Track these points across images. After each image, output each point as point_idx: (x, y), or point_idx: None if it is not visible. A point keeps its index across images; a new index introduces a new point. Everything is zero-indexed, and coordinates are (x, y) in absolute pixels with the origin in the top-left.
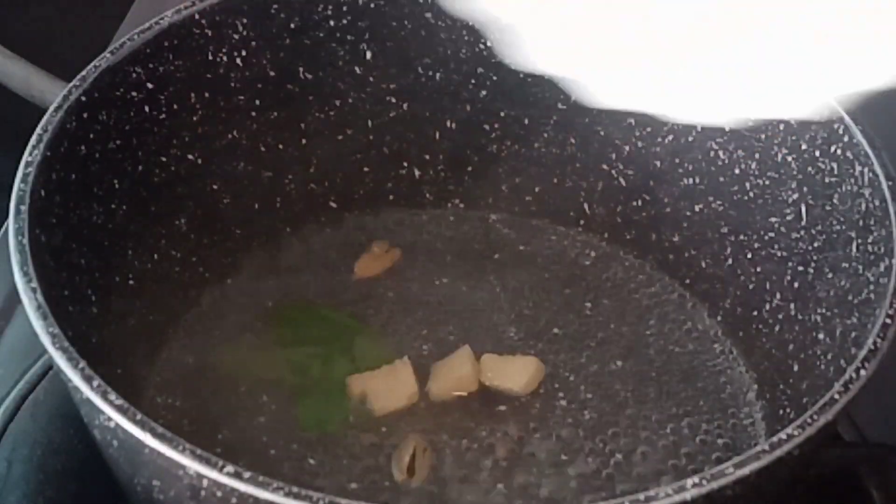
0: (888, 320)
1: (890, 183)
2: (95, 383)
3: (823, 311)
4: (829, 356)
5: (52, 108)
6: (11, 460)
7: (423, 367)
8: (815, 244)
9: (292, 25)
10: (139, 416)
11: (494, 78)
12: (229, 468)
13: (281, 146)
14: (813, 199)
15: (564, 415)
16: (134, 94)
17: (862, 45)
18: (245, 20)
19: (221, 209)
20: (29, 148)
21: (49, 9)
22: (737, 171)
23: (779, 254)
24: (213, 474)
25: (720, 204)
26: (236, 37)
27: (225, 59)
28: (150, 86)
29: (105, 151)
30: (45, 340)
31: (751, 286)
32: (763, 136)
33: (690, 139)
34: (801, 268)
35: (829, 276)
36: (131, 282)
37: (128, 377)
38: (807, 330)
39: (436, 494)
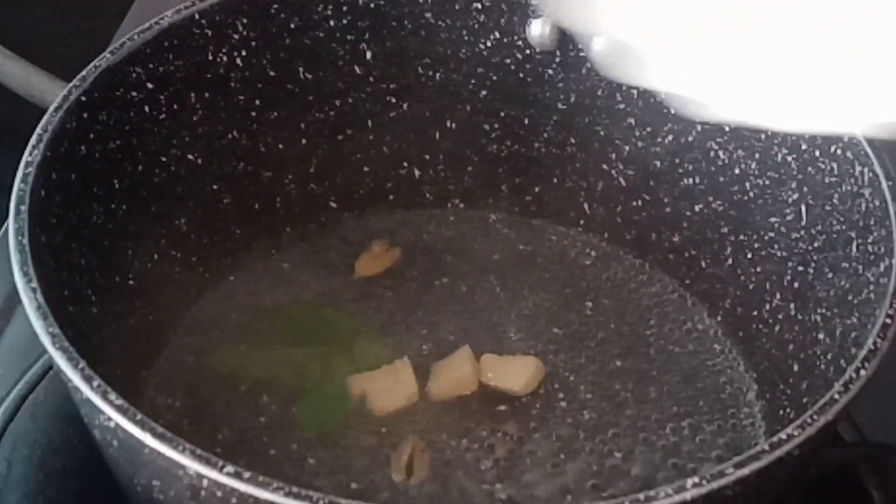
0: (888, 320)
1: (890, 183)
2: (95, 383)
3: (823, 311)
4: (829, 356)
5: (52, 108)
6: (11, 460)
7: (423, 367)
8: (815, 244)
9: (292, 25)
10: (139, 416)
11: (494, 78)
12: (229, 468)
13: (281, 146)
14: (813, 199)
15: (564, 415)
16: (134, 94)
17: None
18: (245, 20)
19: (221, 209)
20: (29, 148)
21: (49, 9)
22: (737, 171)
23: (779, 254)
24: (213, 474)
25: (720, 204)
26: (236, 37)
27: (225, 59)
28: (150, 86)
29: (105, 151)
30: (45, 340)
31: (751, 286)
32: (763, 136)
33: (690, 139)
34: (801, 268)
35: (829, 276)
36: (131, 282)
37: (128, 377)
38: (807, 330)
39: (436, 494)
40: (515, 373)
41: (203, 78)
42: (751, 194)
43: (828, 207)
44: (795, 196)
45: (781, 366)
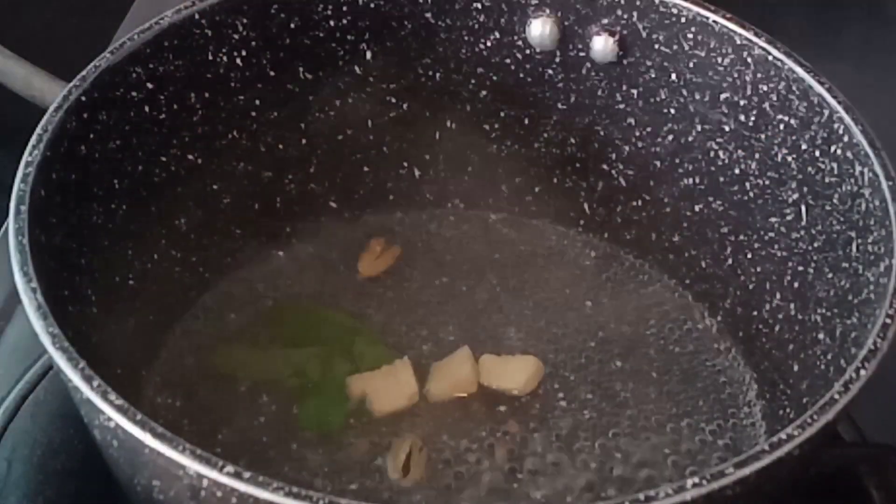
0: (888, 320)
1: (890, 183)
2: (95, 383)
3: (823, 311)
4: (829, 356)
5: (52, 108)
6: (11, 460)
7: (423, 368)
8: (815, 244)
9: (292, 25)
10: (139, 416)
11: (494, 78)
12: (229, 468)
13: (281, 146)
14: (813, 199)
15: (564, 415)
16: (134, 94)
17: None
18: (245, 20)
19: (221, 209)
20: (29, 148)
21: (49, 9)
22: (737, 171)
23: (779, 254)
24: (213, 474)
25: (720, 204)
26: (236, 37)
27: (225, 59)
28: (150, 86)
29: (105, 151)
30: (45, 340)
31: (751, 286)
32: (763, 136)
33: (690, 139)
34: (801, 268)
35: (829, 276)
36: (131, 282)
37: (128, 377)
38: (807, 330)
39: (436, 495)
40: (514, 372)
41: (203, 78)
42: (751, 194)
43: (828, 207)
44: (795, 196)
45: (781, 366)
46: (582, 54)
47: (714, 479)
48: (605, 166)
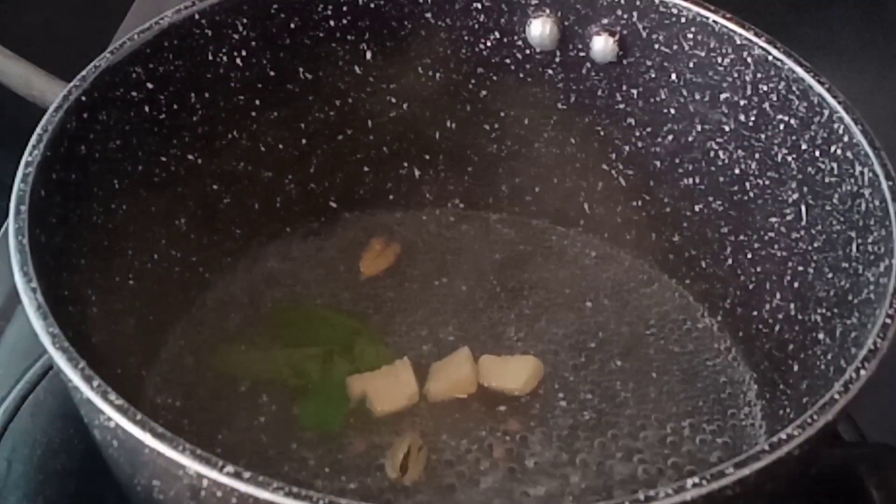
0: (888, 320)
1: (890, 183)
2: (95, 383)
3: (823, 311)
4: (829, 356)
5: (52, 108)
6: (11, 460)
7: (423, 368)
8: (815, 244)
9: (292, 25)
10: (139, 416)
11: (494, 78)
12: (229, 468)
13: (281, 146)
14: (813, 199)
15: (564, 415)
16: (134, 94)
17: None
18: (245, 20)
19: (221, 209)
20: (29, 148)
21: (49, 9)
22: (737, 171)
23: (779, 254)
24: (213, 474)
25: (720, 204)
26: (236, 37)
27: (225, 59)
28: (150, 86)
29: (105, 151)
30: (45, 340)
31: (751, 286)
32: (763, 136)
33: (690, 139)
34: (801, 268)
35: (829, 276)
36: (131, 282)
37: (128, 377)
38: (807, 330)
39: (436, 494)
40: (514, 372)
41: (203, 78)
42: (751, 194)
43: (828, 207)
44: (795, 196)
45: (781, 366)
46: (582, 54)
47: (714, 479)
48: (605, 166)
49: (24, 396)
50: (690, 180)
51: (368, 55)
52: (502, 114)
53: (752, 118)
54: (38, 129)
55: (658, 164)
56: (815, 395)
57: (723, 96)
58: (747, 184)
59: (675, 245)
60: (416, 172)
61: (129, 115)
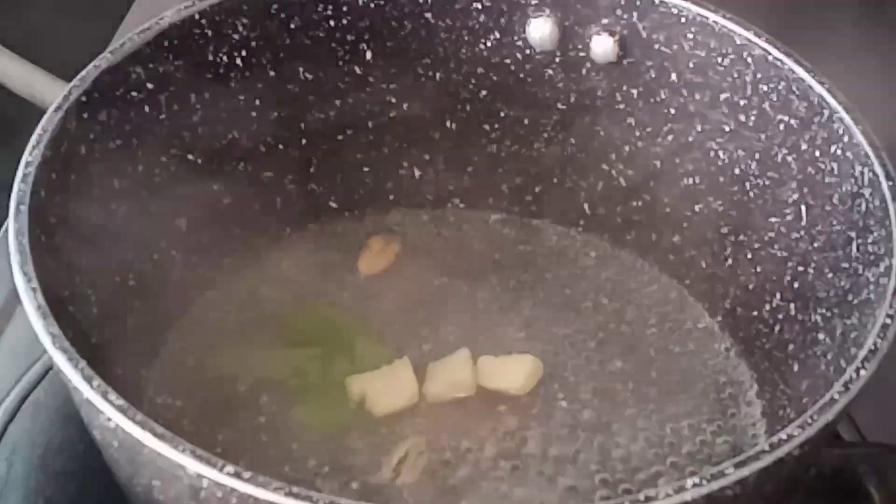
0: (888, 320)
1: (890, 183)
2: (95, 383)
3: (823, 311)
4: (829, 356)
5: (52, 108)
6: (11, 460)
7: (423, 368)
8: (815, 244)
9: (292, 25)
10: (139, 416)
11: (494, 78)
12: (229, 468)
13: (281, 146)
14: (813, 199)
15: (564, 415)
16: (134, 94)
17: None
18: (245, 20)
19: (221, 209)
20: (29, 148)
21: (49, 9)
22: (737, 171)
23: (779, 254)
24: (213, 474)
25: (720, 204)
26: (236, 37)
27: (225, 59)
28: (150, 86)
29: (105, 151)
30: (45, 340)
31: (751, 286)
32: (763, 136)
33: (690, 139)
34: (801, 268)
35: (829, 276)
36: (131, 282)
37: (128, 377)
38: (807, 330)
39: (436, 495)
40: (513, 372)
41: (203, 78)
42: (751, 194)
43: (828, 207)
44: (795, 196)
45: (781, 366)
46: (582, 54)
47: (714, 479)
48: (605, 166)
49: (24, 396)
50: (690, 180)
51: (368, 55)
52: (502, 114)
53: (752, 118)
54: (38, 129)
55: (658, 164)
56: (815, 395)
57: (723, 96)
58: (747, 184)
59: (675, 245)
60: (416, 172)
61: (129, 115)
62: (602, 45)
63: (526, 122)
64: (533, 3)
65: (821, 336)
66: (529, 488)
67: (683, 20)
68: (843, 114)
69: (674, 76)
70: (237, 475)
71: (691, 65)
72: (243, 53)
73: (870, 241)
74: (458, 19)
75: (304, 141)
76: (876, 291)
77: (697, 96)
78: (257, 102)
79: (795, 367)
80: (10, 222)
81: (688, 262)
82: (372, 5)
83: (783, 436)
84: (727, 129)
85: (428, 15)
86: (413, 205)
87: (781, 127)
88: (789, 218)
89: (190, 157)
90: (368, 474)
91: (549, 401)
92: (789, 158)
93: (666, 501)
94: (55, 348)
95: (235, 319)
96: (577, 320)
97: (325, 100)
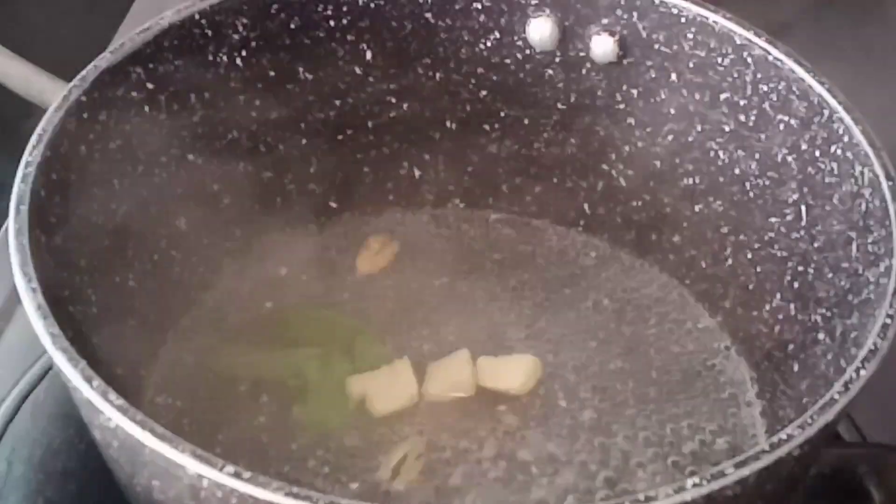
0: (888, 320)
1: (890, 183)
2: (95, 383)
3: (823, 311)
4: (829, 356)
5: (52, 108)
6: (11, 460)
7: (423, 368)
8: (815, 244)
9: (292, 25)
10: (139, 416)
11: (494, 78)
12: (229, 468)
13: (281, 146)
14: (813, 199)
15: (564, 415)
16: (134, 94)
17: None
18: (245, 20)
19: (221, 209)
20: (29, 148)
21: (49, 9)
22: (737, 171)
23: (779, 254)
24: (213, 474)
25: (720, 204)
26: (236, 37)
27: (225, 59)
28: (150, 86)
29: (105, 151)
30: (45, 340)
31: (751, 286)
32: (763, 136)
33: (690, 139)
34: (801, 268)
35: (829, 276)
36: (131, 282)
37: (128, 377)
38: (807, 330)
39: (435, 495)
40: (512, 372)
41: (203, 78)
42: (751, 194)
43: (828, 207)
44: (795, 196)
45: (781, 366)
46: (582, 54)
47: (714, 479)
48: (605, 166)
49: (24, 396)
50: (690, 180)
51: (368, 55)
52: (502, 114)
53: (752, 118)
54: (38, 129)
55: (658, 164)
56: (815, 395)
57: (723, 96)
58: (747, 184)
59: (675, 245)
60: (416, 172)
61: (129, 115)
62: (602, 45)
63: (526, 122)
64: (533, 3)
65: (821, 336)
66: (529, 488)
67: (683, 20)
68: (843, 114)
69: (674, 76)
70: (237, 475)
71: (691, 65)
72: (243, 53)
73: (870, 241)
74: (458, 19)
75: (304, 141)
76: (876, 291)
77: (697, 96)
78: (257, 103)
79: (795, 367)
80: (10, 222)
81: (688, 262)
82: (372, 5)
83: (783, 436)
84: (727, 129)
85: (428, 15)
86: (413, 204)
87: (781, 127)
88: (789, 218)
89: (190, 157)
90: (368, 474)
91: (549, 401)
92: (789, 158)
93: (666, 501)
94: (55, 348)
95: (235, 319)
96: (577, 320)
97: (325, 100)
